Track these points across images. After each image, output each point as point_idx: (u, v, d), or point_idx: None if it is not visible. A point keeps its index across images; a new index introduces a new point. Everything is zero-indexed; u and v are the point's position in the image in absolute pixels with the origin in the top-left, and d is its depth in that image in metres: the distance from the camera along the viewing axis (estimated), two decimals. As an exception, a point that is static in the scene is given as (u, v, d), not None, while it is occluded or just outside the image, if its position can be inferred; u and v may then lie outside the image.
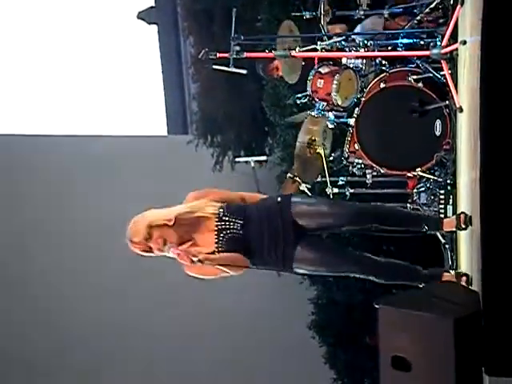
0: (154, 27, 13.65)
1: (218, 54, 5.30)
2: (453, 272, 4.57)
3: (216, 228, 4.27)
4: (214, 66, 5.56)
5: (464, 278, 4.30)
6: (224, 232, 4.27)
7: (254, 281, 9.15)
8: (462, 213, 4.35)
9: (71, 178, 11.37)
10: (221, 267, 4.19)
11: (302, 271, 4.47)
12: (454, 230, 4.46)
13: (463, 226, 4.30)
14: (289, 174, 6.03)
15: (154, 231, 4.16)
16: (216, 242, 4.26)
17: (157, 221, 4.18)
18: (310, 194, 5.94)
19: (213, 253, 4.25)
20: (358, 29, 5.98)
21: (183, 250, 4.14)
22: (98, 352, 9.81)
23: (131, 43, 14.13)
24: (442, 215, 5.54)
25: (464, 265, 4.90)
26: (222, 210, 4.30)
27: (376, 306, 3.38)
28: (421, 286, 4.44)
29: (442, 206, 5.59)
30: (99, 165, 11.55)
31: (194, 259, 4.10)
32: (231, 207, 4.34)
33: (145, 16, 13.57)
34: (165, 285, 9.83)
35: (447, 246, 5.55)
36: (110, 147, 12.04)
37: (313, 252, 4.35)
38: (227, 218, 4.29)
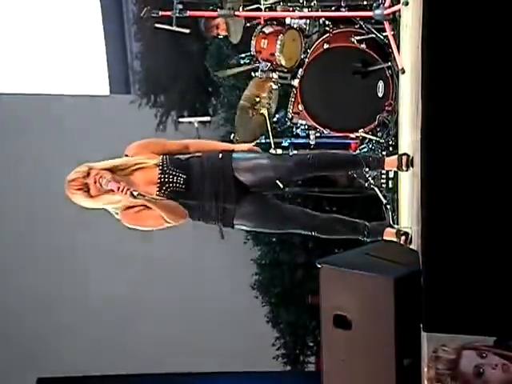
0: (96, -16, 13.37)
1: (161, 13, 5.22)
2: (394, 230, 4.63)
3: (159, 180, 4.20)
4: (157, 25, 5.48)
5: (403, 238, 4.38)
6: (166, 185, 4.20)
7: (199, 242, 9.20)
8: (405, 154, 4.39)
9: (12, 135, 11.15)
10: (159, 211, 4.11)
11: (242, 227, 4.48)
12: (395, 169, 4.51)
13: (404, 168, 4.35)
14: (233, 136, 6.02)
15: (93, 171, 4.08)
16: (157, 196, 4.17)
17: (96, 167, 4.10)
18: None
19: None
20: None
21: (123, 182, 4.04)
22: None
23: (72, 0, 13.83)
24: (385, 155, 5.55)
25: (404, 223, 4.98)
26: (164, 163, 4.21)
27: (318, 266, 3.42)
28: (363, 239, 4.50)
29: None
30: (39, 123, 11.35)
31: (135, 193, 4.00)
32: (174, 160, 4.26)
33: (86, -28, 13.26)
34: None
35: (388, 207, 5.62)
36: (51, 106, 11.84)
37: (253, 208, 4.36)
38: (170, 172, 4.20)
